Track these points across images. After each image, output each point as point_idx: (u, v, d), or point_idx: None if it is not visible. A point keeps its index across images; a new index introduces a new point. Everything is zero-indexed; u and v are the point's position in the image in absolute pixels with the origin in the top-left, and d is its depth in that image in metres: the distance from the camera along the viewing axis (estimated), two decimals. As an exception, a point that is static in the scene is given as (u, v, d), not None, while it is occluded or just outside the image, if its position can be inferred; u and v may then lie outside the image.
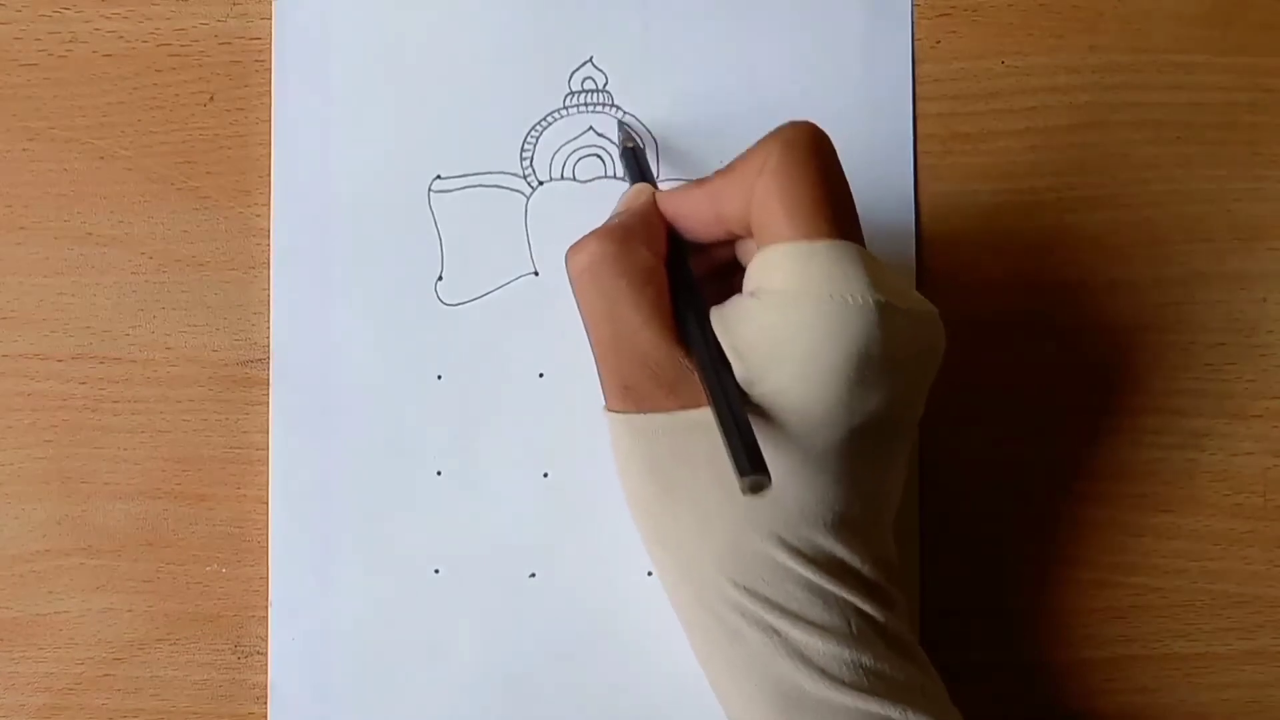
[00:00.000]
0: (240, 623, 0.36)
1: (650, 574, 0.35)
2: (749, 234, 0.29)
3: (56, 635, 0.36)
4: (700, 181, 0.30)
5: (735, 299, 0.29)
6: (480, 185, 0.37)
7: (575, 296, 0.30)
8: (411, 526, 0.36)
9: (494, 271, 0.37)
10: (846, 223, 0.28)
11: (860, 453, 0.28)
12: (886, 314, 0.27)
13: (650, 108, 0.37)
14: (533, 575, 0.36)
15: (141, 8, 0.37)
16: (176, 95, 0.37)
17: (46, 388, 0.37)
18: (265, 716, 0.36)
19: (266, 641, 0.36)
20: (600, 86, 0.37)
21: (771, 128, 0.29)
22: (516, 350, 0.36)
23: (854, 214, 0.29)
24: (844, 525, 0.28)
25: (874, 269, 0.27)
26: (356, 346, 0.36)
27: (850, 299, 0.27)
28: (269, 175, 0.37)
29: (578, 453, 0.36)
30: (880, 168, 0.37)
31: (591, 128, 0.37)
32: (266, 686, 0.36)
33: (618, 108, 0.37)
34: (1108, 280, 0.37)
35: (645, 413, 0.29)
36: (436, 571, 0.36)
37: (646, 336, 0.29)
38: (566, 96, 0.37)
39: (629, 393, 0.29)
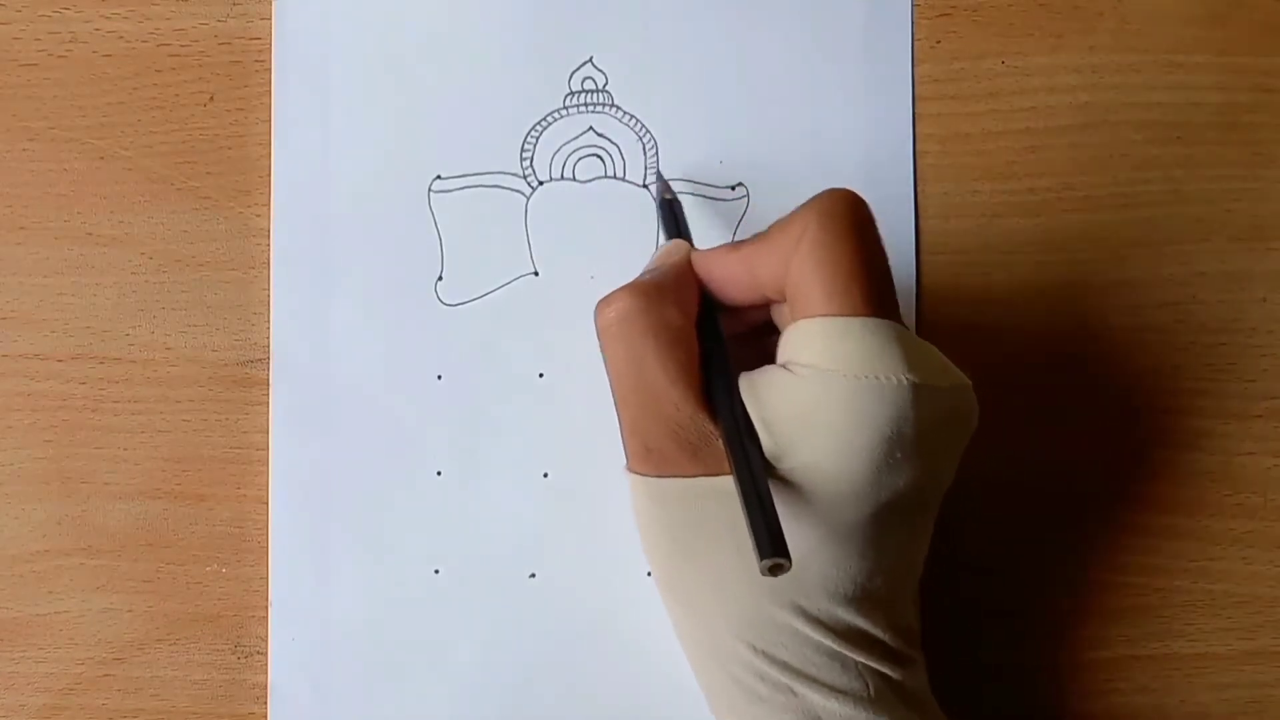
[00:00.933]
0: (240, 623, 0.36)
1: (650, 574, 0.35)
2: (784, 300, 0.29)
3: (56, 635, 0.36)
4: (737, 245, 0.30)
5: (767, 369, 0.28)
6: (480, 185, 0.37)
7: (601, 350, 0.29)
8: (411, 526, 0.36)
9: (494, 271, 0.37)
10: (883, 298, 0.28)
11: (886, 528, 0.28)
12: (921, 395, 0.27)
13: (650, 108, 0.37)
14: (533, 575, 0.36)
15: (141, 8, 0.37)
16: (176, 95, 0.37)
17: (46, 388, 0.37)
18: (265, 716, 0.36)
19: (266, 641, 0.36)
20: (600, 86, 0.37)
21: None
22: (516, 350, 0.36)
23: (890, 287, 0.28)
24: (866, 598, 0.28)
25: (909, 347, 0.27)
26: (356, 346, 0.36)
27: (884, 379, 0.26)
28: (269, 175, 0.37)
29: (578, 453, 0.36)
30: (880, 168, 0.37)
31: (591, 128, 0.37)
32: (266, 686, 0.36)
33: (618, 107, 0.37)
34: (1108, 280, 0.37)
35: (666, 476, 0.29)
36: (436, 571, 0.36)
37: (672, 398, 0.28)
38: (566, 96, 0.37)
39: (651, 455, 0.29)
